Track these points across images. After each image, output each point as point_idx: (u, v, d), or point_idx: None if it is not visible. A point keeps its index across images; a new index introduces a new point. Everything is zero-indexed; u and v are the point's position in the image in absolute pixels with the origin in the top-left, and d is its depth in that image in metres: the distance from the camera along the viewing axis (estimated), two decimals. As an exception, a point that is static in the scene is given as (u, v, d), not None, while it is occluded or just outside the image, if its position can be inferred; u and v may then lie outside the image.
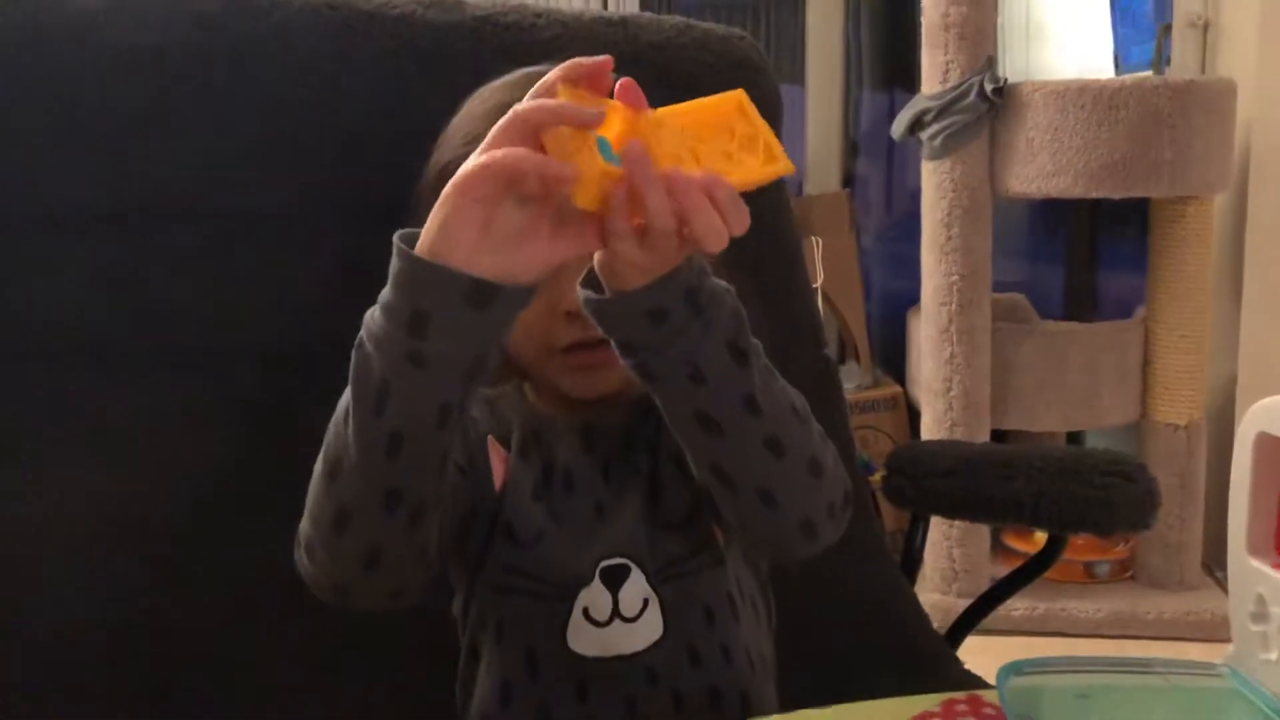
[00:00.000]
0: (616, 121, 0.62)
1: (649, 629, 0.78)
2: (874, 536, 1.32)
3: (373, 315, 0.64)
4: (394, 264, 0.63)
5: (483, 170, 0.60)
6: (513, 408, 0.85)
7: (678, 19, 1.23)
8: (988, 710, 0.70)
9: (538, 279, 0.63)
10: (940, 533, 2.26)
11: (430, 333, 0.62)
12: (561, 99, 0.61)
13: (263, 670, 1.00)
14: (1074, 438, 2.39)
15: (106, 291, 1.01)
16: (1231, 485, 0.71)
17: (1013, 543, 2.37)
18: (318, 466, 0.69)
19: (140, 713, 0.97)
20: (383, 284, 0.87)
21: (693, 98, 1.21)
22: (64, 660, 0.97)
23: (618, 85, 0.63)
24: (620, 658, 0.78)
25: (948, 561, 2.27)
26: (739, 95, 0.65)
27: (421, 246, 0.62)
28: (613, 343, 0.67)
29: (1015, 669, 0.67)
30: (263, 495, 1.02)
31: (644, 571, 0.79)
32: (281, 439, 1.03)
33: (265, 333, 1.05)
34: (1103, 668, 0.70)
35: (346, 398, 0.66)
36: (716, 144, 0.64)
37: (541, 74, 0.81)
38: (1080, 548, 2.32)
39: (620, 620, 0.78)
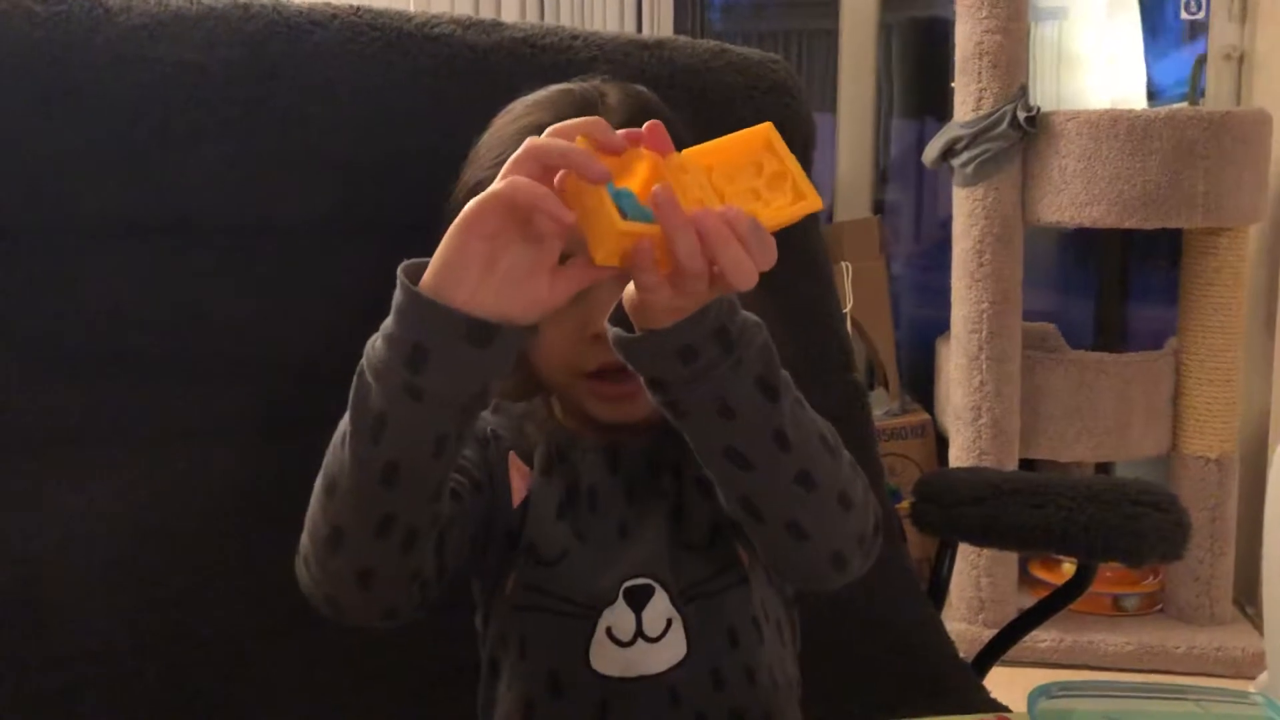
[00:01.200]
0: (642, 169, 0.62)
1: (672, 649, 0.78)
2: (901, 563, 1.32)
3: (374, 344, 0.65)
4: (397, 296, 0.64)
5: (490, 201, 0.61)
6: (538, 424, 0.85)
7: (713, 43, 1.24)
8: (1017, 735, 0.70)
9: (539, 319, 0.64)
10: (968, 562, 2.24)
11: (429, 368, 0.63)
12: (580, 145, 0.61)
13: (287, 681, 1.00)
14: (1103, 469, 2.37)
15: (139, 302, 1.03)
16: (1267, 514, 0.70)
17: (1040, 574, 2.35)
18: (317, 482, 0.70)
19: (168, 718, 0.98)
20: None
21: (726, 121, 1.22)
22: (90, 668, 0.97)
23: (644, 129, 0.63)
24: (643, 678, 0.78)
25: (974, 591, 2.26)
26: (767, 130, 0.65)
27: (426, 281, 0.63)
28: (641, 379, 0.67)
29: (1046, 692, 0.67)
30: (291, 507, 1.02)
31: (668, 592, 0.79)
32: (310, 452, 1.04)
33: (296, 346, 1.06)
34: (1134, 693, 0.70)
35: (345, 421, 0.67)
36: (743, 182, 0.63)
37: (574, 91, 0.83)
38: (1109, 580, 2.30)
39: (643, 640, 0.78)
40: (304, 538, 0.72)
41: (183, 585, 1.00)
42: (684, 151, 0.63)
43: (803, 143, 1.30)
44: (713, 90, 1.20)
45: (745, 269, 0.60)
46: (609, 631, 0.78)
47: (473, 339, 0.62)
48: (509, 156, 0.74)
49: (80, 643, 0.97)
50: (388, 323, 0.64)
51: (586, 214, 0.60)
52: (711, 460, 0.70)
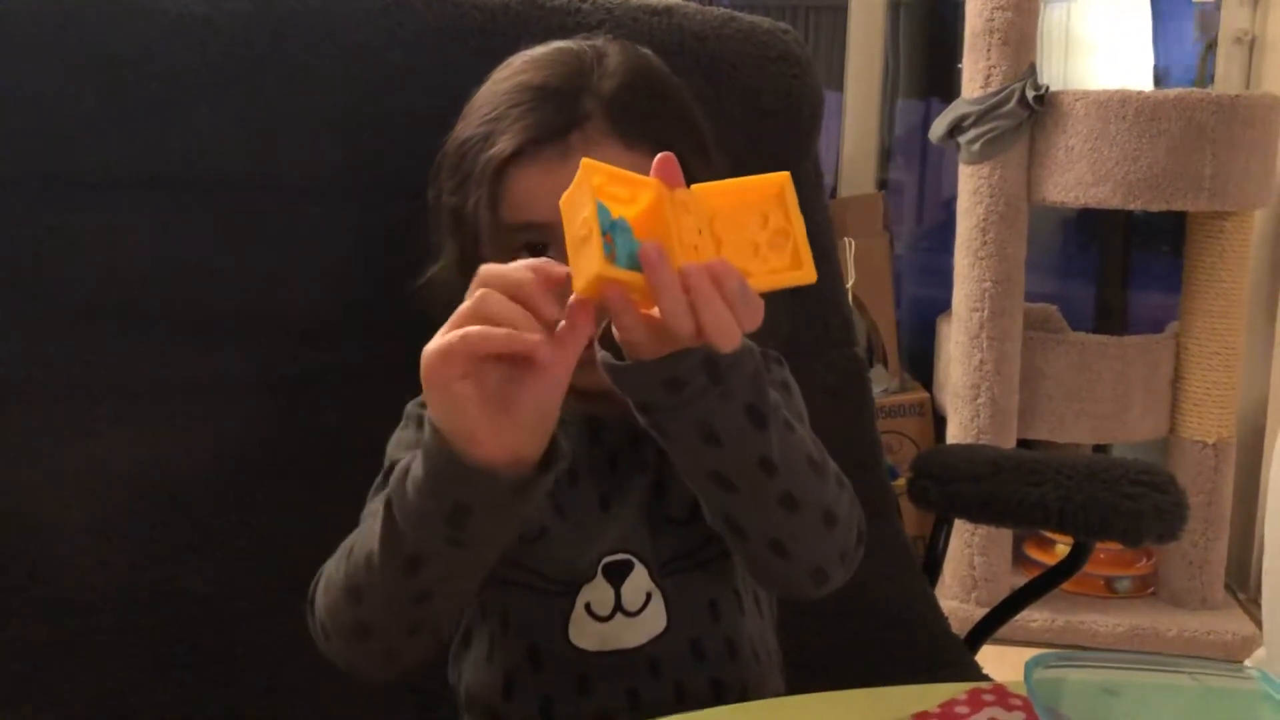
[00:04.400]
0: (645, 197, 0.60)
1: (652, 623, 0.79)
2: (896, 540, 1.32)
3: (403, 490, 0.63)
4: (430, 450, 0.61)
5: (445, 354, 0.58)
6: None
7: (722, 10, 1.23)
8: (1014, 701, 0.70)
9: (557, 411, 0.63)
10: (962, 540, 2.25)
11: (472, 523, 0.62)
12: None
13: (280, 639, 0.99)
14: (1100, 451, 2.38)
15: (144, 258, 1.02)
16: (1269, 492, 0.70)
17: (1034, 554, 2.36)
18: (339, 574, 0.70)
19: (156, 676, 0.98)
20: (415, 258, 0.86)
21: (733, 89, 1.22)
22: (82, 621, 0.98)
23: (656, 160, 0.61)
24: (622, 651, 0.78)
25: (968, 570, 2.26)
26: (783, 181, 0.62)
27: (448, 440, 0.60)
28: (629, 400, 0.66)
29: (1043, 661, 0.67)
30: (289, 466, 1.04)
31: (647, 566, 0.79)
32: (309, 411, 1.05)
33: (298, 304, 1.06)
34: (1131, 665, 0.70)
35: (371, 543, 0.66)
36: (745, 233, 0.61)
37: (573, 50, 0.81)
38: (1102, 562, 2.30)
39: (622, 615, 0.78)
40: (322, 613, 0.72)
41: (178, 541, 1.00)
42: (694, 187, 0.61)
43: (810, 114, 1.29)
44: (721, 57, 1.19)
45: (728, 330, 0.58)
46: (588, 607, 0.78)
47: (516, 490, 0.62)
48: (499, 114, 0.74)
49: (74, 595, 0.98)
50: (418, 473, 0.62)
51: (575, 238, 0.58)
52: (695, 480, 0.69)
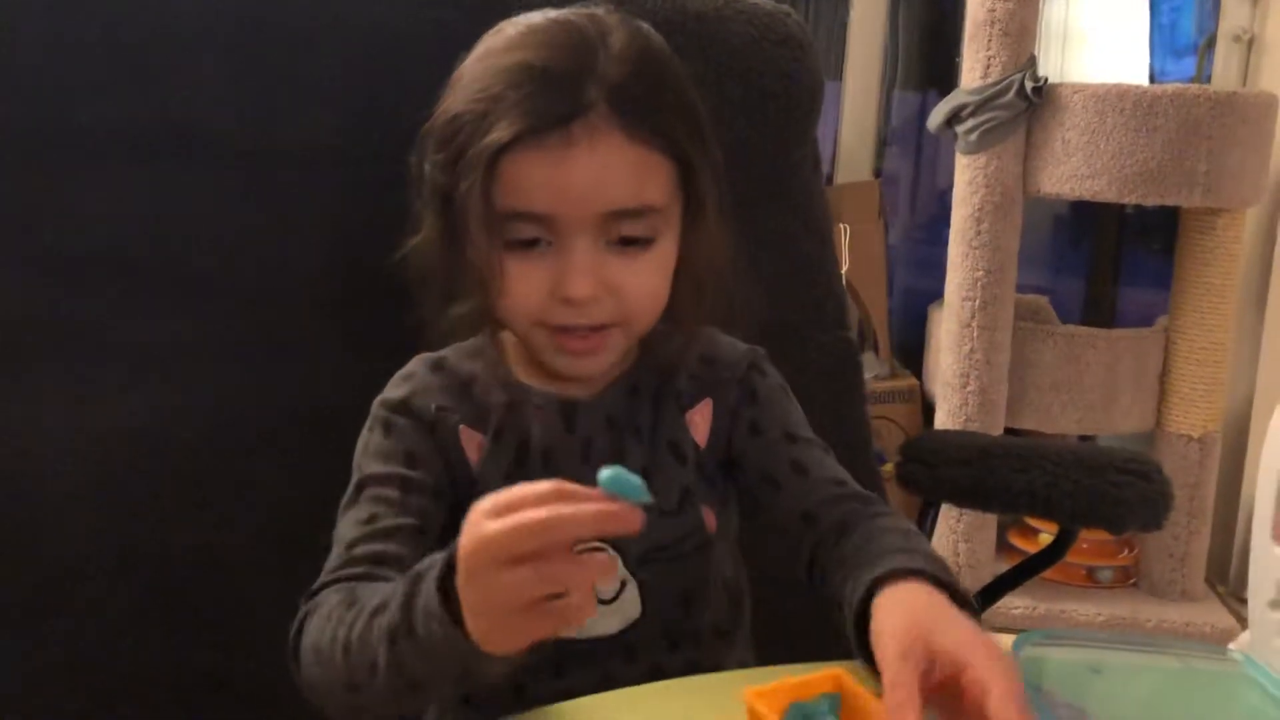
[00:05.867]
0: None
1: (626, 610, 0.78)
2: None
3: (411, 632, 0.62)
4: (448, 637, 0.60)
5: (519, 589, 0.57)
6: (489, 384, 0.81)
7: (725, -9, 1.23)
8: (997, 677, 0.71)
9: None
10: (947, 527, 2.27)
11: (478, 676, 0.62)
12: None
13: (271, 599, 1.00)
14: (1087, 442, 2.39)
15: (141, 218, 1.02)
16: (1260, 474, 0.71)
17: (1018, 542, 2.38)
18: (337, 663, 0.67)
19: (146, 634, 0.99)
20: (399, 220, 0.85)
21: (733, 69, 1.22)
22: (73, 577, 0.98)
23: None
24: (598, 638, 0.78)
25: (952, 556, 2.28)
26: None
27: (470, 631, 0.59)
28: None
29: (1030, 639, 0.68)
30: (280, 429, 1.04)
31: (623, 555, 0.78)
32: (303, 373, 1.05)
33: (292, 268, 1.06)
34: (1116, 644, 0.71)
35: (369, 652, 0.65)
36: None
37: (575, 26, 0.77)
38: (1085, 552, 2.32)
39: (598, 603, 0.77)
40: (314, 678, 0.70)
41: (169, 501, 1.01)
42: None
43: (810, 98, 1.29)
44: (722, 38, 1.19)
45: None
46: None
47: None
48: (496, 94, 0.72)
49: (66, 554, 0.98)
50: (423, 624, 0.61)
51: None
52: None
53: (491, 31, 0.80)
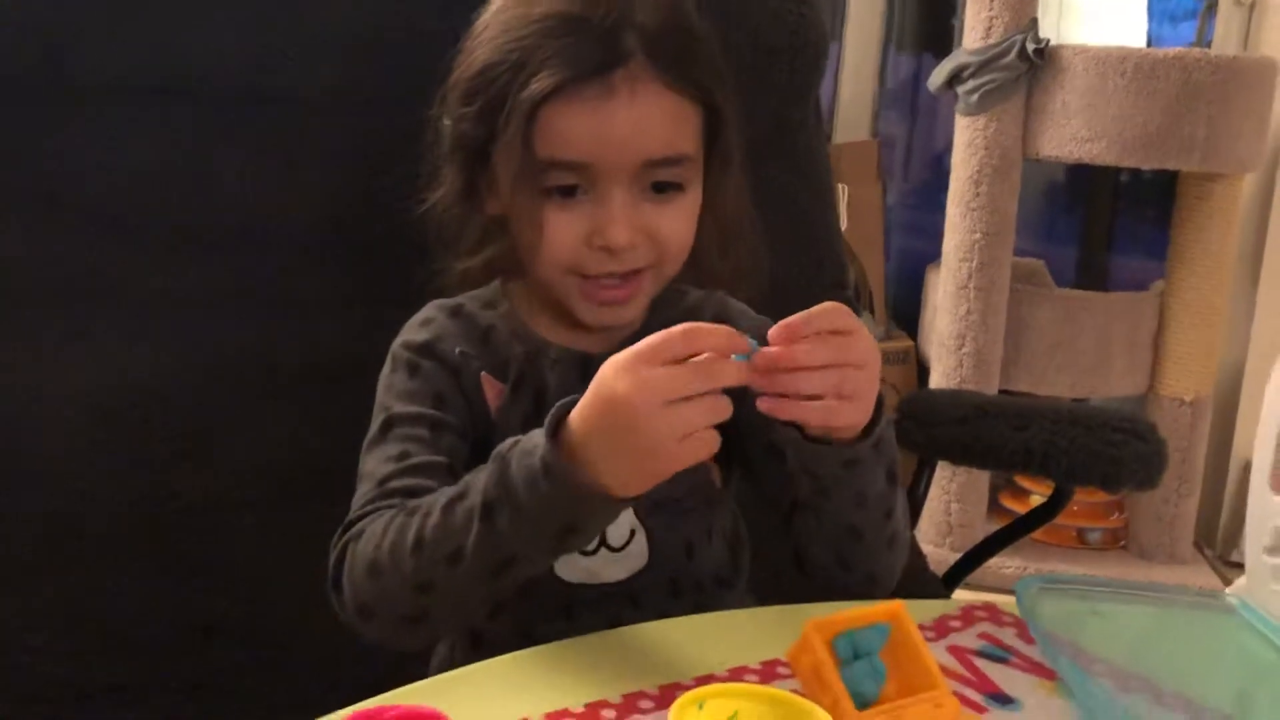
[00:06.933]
0: None
1: (634, 558, 0.80)
2: None
3: (512, 501, 0.66)
4: (560, 483, 0.65)
5: (688, 437, 0.63)
6: (507, 335, 0.82)
7: (733, -58, 1.23)
8: (1005, 618, 0.73)
9: None
10: (939, 487, 2.28)
11: (574, 537, 0.68)
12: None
13: (268, 548, 1.01)
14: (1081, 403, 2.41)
15: (145, 166, 1.02)
16: (1261, 423, 0.72)
17: (1009, 504, 2.40)
18: (405, 567, 0.70)
19: (144, 581, 1.00)
20: (415, 175, 0.85)
21: (740, 24, 1.21)
22: (74, 525, 0.99)
23: None
24: (605, 584, 0.80)
25: (944, 516, 2.30)
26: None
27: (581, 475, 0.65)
28: (798, 469, 0.73)
29: (1035, 583, 0.69)
30: (282, 380, 1.04)
31: (634, 505, 0.78)
32: (303, 322, 1.05)
33: (296, 219, 1.06)
34: (1118, 589, 0.72)
35: (450, 541, 0.68)
36: None
37: None
38: (1075, 514, 2.34)
39: (607, 550, 0.79)
40: (369, 599, 0.72)
41: (171, 450, 1.01)
42: None
43: (814, 53, 1.29)
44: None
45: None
46: None
47: (621, 510, 0.68)
48: (531, 43, 0.74)
49: (67, 503, 0.99)
50: (531, 495, 0.65)
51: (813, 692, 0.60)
52: (831, 532, 0.77)
53: None
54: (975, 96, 2.14)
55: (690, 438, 0.63)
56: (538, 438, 0.66)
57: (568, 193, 0.76)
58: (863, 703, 0.59)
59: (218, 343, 1.03)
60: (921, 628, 0.68)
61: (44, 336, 0.99)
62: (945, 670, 0.64)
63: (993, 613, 0.73)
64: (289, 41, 1.04)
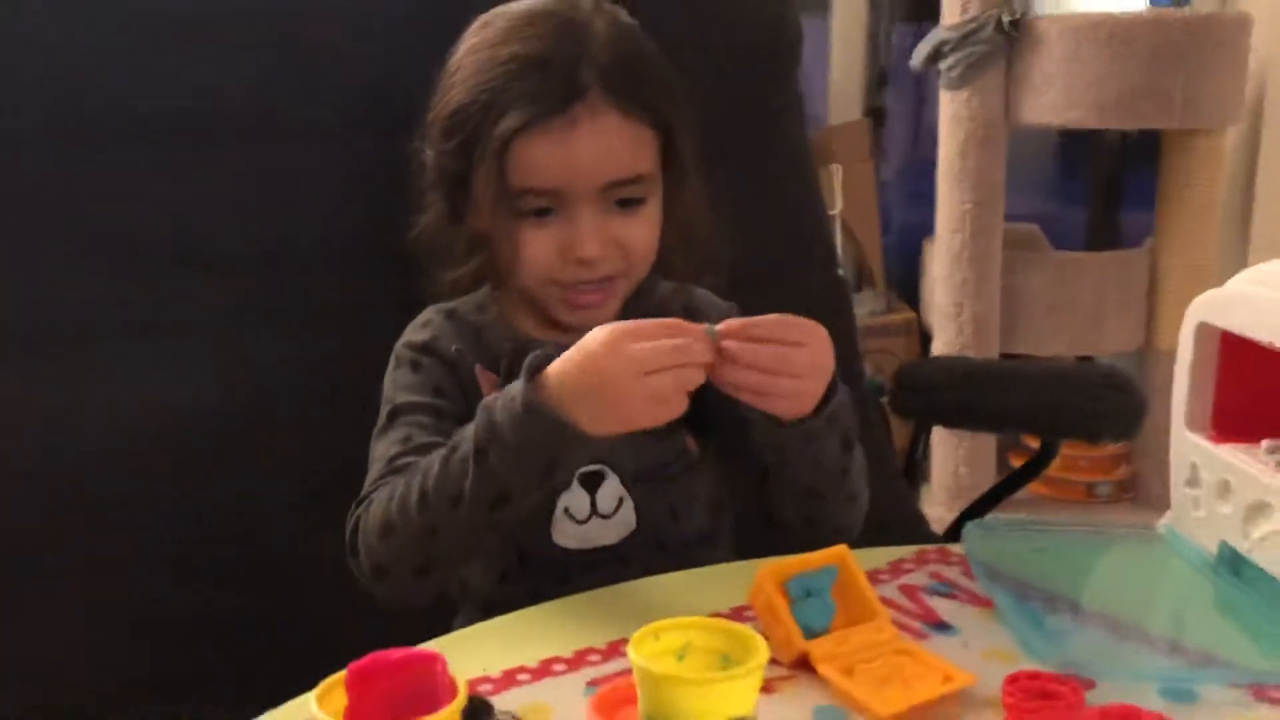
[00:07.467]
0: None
1: (623, 524, 0.89)
2: (879, 448, 1.39)
3: (499, 442, 0.74)
4: (541, 419, 0.73)
5: (658, 390, 0.73)
6: (498, 334, 0.91)
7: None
8: (953, 558, 0.80)
9: None
10: (947, 451, 2.34)
11: (561, 471, 0.76)
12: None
13: (296, 547, 1.07)
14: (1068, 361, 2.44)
15: (168, 200, 1.08)
16: (1175, 368, 0.79)
17: (1017, 463, 2.44)
18: (413, 518, 0.78)
19: (180, 584, 1.07)
20: (410, 195, 0.92)
21: (715, 22, 1.27)
22: (119, 533, 1.05)
23: None
24: (599, 549, 0.88)
25: (953, 480, 2.36)
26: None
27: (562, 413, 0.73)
28: (760, 440, 0.82)
29: (980, 526, 0.76)
30: (300, 390, 1.10)
31: (619, 475, 0.88)
32: (325, 337, 1.10)
33: (320, 238, 1.12)
34: (1057, 527, 0.80)
35: (452, 485, 0.76)
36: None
37: (559, 16, 0.86)
38: (1083, 469, 2.40)
39: (598, 517, 0.88)
40: (381, 556, 0.81)
41: (201, 459, 1.07)
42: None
43: (789, 45, 1.35)
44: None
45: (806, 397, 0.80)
46: (566, 511, 0.88)
47: (595, 446, 0.75)
48: (498, 85, 0.83)
49: (112, 513, 1.05)
50: (514, 434, 0.74)
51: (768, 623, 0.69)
52: (791, 494, 0.85)
53: (478, 24, 0.90)
54: (956, 71, 2.20)
55: (655, 401, 0.72)
56: (516, 387, 0.75)
57: (541, 214, 0.85)
58: (814, 635, 0.67)
59: (244, 361, 1.09)
60: (877, 571, 0.76)
61: (83, 365, 1.05)
62: (894, 605, 0.72)
63: (943, 555, 0.80)
64: (289, 76, 1.10)
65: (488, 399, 0.78)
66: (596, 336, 0.74)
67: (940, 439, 2.31)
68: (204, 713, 0.94)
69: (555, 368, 0.75)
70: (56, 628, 1.04)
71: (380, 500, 0.81)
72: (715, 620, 0.57)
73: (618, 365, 0.72)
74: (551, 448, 0.74)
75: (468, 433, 0.77)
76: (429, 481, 0.78)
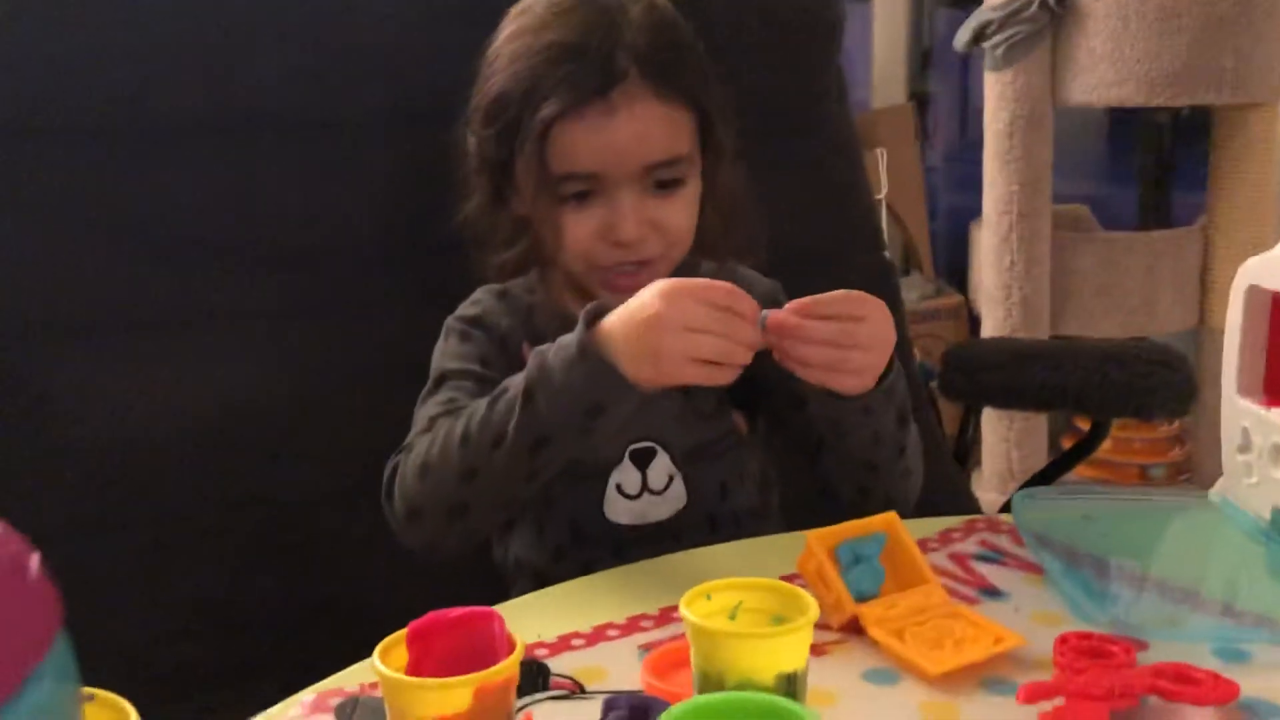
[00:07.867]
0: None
1: (674, 500, 0.90)
2: (930, 430, 1.39)
3: (548, 383, 0.76)
4: (592, 361, 0.75)
5: (696, 350, 0.74)
6: (547, 314, 0.94)
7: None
8: (1003, 527, 0.80)
9: None
10: (999, 435, 2.33)
11: (602, 420, 0.77)
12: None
13: (353, 533, 1.09)
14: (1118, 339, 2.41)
15: (220, 196, 1.11)
16: (1226, 333, 0.79)
17: (1069, 446, 2.43)
18: (452, 460, 0.80)
19: (244, 574, 1.09)
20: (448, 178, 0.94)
21: (751, 5, 1.26)
22: (179, 529, 1.08)
23: None
24: (651, 525, 0.90)
25: (1005, 464, 2.34)
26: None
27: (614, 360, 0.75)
28: (819, 415, 0.84)
29: (1030, 494, 0.77)
30: (361, 381, 1.12)
31: (669, 452, 0.90)
32: (377, 325, 1.13)
33: (361, 232, 1.14)
34: (1107, 495, 0.80)
35: (494, 429, 0.78)
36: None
37: (595, 3, 0.89)
38: (1137, 450, 2.38)
39: (649, 494, 0.90)
40: (416, 497, 0.83)
41: (261, 451, 1.10)
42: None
43: (828, 27, 1.35)
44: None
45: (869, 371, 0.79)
46: (619, 487, 0.90)
47: (641, 403, 0.77)
48: (537, 72, 0.84)
49: (177, 503, 1.08)
50: (567, 374, 0.76)
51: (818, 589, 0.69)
52: (849, 466, 0.87)
53: (516, 11, 0.92)
54: (1000, 51, 2.18)
55: (696, 362, 0.74)
56: (572, 335, 0.77)
57: (582, 197, 0.87)
58: (864, 599, 0.68)
59: (300, 351, 1.12)
60: (926, 540, 0.76)
61: (139, 359, 1.08)
62: (943, 572, 0.72)
63: (991, 524, 0.80)
64: (335, 73, 1.13)
65: (541, 346, 0.79)
66: (658, 284, 0.75)
67: (991, 424, 2.30)
68: (261, 693, 0.97)
69: (612, 316, 0.77)
70: (119, 611, 1.05)
71: (420, 445, 0.83)
72: (766, 580, 0.58)
73: (668, 313, 0.73)
74: (597, 392, 0.76)
75: (517, 379, 0.79)
76: (473, 423, 0.80)
